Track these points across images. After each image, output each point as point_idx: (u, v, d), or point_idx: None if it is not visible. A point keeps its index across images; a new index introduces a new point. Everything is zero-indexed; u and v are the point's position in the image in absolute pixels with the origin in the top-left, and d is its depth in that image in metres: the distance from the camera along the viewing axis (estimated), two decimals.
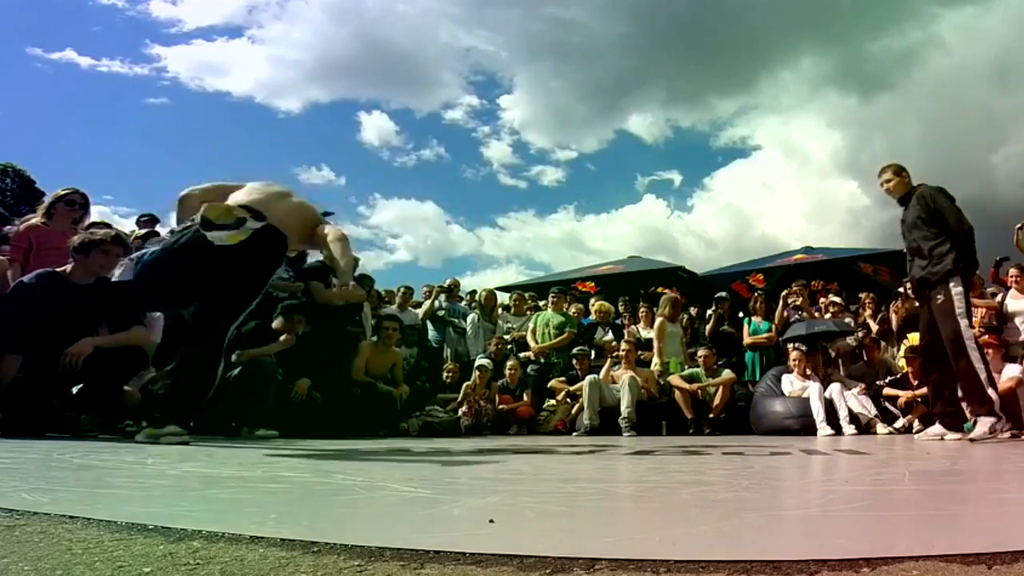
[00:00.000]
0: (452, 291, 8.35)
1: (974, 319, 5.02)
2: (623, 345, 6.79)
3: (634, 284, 9.22)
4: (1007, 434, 4.38)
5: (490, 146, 33.51)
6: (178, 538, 0.94)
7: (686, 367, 6.93)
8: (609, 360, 6.81)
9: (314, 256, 4.84)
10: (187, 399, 3.36)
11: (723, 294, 8.00)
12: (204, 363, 3.27)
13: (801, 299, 7.31)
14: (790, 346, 6.63)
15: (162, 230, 5.30)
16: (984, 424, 4.23)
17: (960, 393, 4.57)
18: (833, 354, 6.98)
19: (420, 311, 7.94)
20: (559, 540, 1.00)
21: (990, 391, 4.29)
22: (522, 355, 7.41)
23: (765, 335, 7.24)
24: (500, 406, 6.68)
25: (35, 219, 4.53)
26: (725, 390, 6.61)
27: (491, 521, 1.10)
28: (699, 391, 6.65)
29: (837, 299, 7.61)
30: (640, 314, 7.63)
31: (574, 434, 6.28)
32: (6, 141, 29.86)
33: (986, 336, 5.48)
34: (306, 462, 2.57)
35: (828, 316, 7.15)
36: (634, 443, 4.63)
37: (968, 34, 29.90)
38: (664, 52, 35.95)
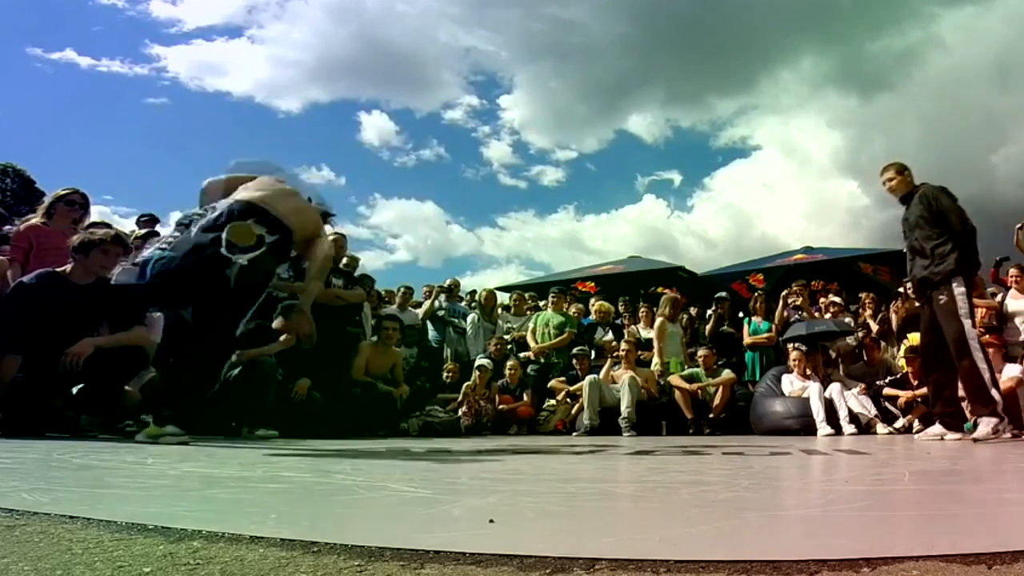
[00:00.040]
0: (452, 291, 8.35)
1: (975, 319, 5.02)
2: (623, 345, 6.79)
3: (634, 284, 9.22)
4: (1008, 434, 4.38)
5: (490, 146, 33.55)
6: (178, 538, 0.94)
7: (686, 367, 6.93)
8: (609, 360, 6.81)
9: (325, 252, 4.88)
10: (187, 399, 3.37)
11: (723, 294, 8.00)
12: (205, 362, 3.28)
13: (801, 299, 7.31)
14: (790, 346, 6.63)
15: (162, 230, 5.30)
16: (987, 425, 4.23)
17: (962, 393, 4.57)
18: (833, 354, 6.98)
19: (420, 311, 7.94)
20: (559, 540, 1.00)
21: (993, 392, 4.29)
22: (522, 355, 7.41)
23: (765, 335, 7.24)
24: (500, 406, 6.68)
25: (35, 219, 4.54)
26: (725, 390, 6.61)
27: (491, 521, 1.10)
28: (699, 391, 6.65)
29: (837, 299, 7.61)
30: (640, 314, 7.63)
31: (574, 434, 6.28)
32: (6, 141, 29.91)
33: (986, 336, 5.47)
34: (306, 462, 2.57)
35: (828, 316, 7.15)
36: (634, 443, 4.63)
37: (968, 34, 29.93)
38: (664, 52, 35.99)
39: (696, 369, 6.80)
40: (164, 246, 3.15)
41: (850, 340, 6.95)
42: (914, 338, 5.79)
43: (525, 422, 6.69)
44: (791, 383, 6.29)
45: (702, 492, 1.70)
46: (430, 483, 1.89)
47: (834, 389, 6.02)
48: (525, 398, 6.83)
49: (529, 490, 1.73)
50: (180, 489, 1.67)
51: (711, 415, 6.58)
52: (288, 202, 3.33)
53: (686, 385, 6.62)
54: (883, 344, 6.82)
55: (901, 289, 6.89)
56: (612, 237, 35.32)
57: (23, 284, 3.80)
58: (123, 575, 0.78)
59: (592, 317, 7.95)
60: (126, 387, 4.15)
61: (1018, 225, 5.74)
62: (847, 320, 7.14)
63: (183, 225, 3.23)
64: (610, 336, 7.57)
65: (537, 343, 7.37)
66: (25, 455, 2.47)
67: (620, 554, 0.84)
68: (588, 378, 6.44)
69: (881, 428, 5.78)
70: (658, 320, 7.16)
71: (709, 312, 7.81)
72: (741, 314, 7.95)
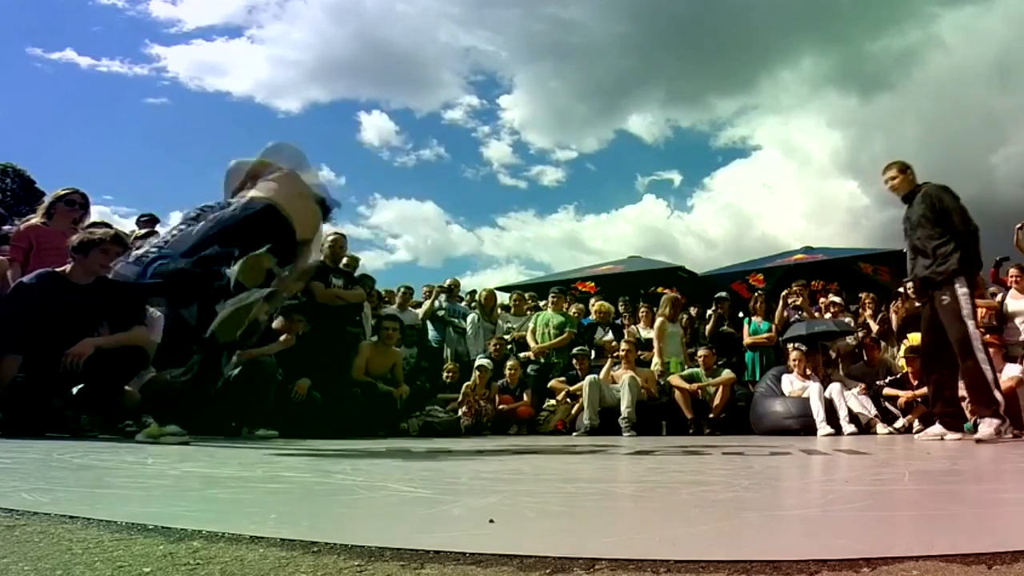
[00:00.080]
0: (452, 291, 8.35)
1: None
2: (623, 345, 6.79)
3: (634, 284, 9.22)
4: (1010, 435, 4.38)
5: (490, 146, 33.46)
6: (178, 538, 0.94)
7: (686, 367, 6.93)
8: (609, 360, 6.81)
9: (313, 256, 4.87)
10: (187, 398, 3.38)
11: (723, 294, 8.00)
12: (207, 362, 3.29)
13: (801, 299, 7.31)
14: (790, 346, 6.63)
15: (162, 230, 5.29)
16: (989, 425, 4.22)
17: (962, 393, 4.56)
18: (833, 354, 6.98)
19: (420, 311, 7.93)
20: (559, 540, 1.00)
21: (996, 393, 4.29)
22: (522, 355, 7.41)
23: (765, 335, 7.24)
24: (500, 406, 6.68)
25: (35, 219, 4.54)
26: (725, 390, 6.61)
27: (491, 521, 1.10)
28: (699, 391, 6.65)
29: (837, 299, 7.61)
30: (640, 314, 7.63)
31: (574, 434, 6.28)
32: (6, 141, 29.86)
33: (986, 336, 5.47)
34: (306, 462, 2.58)
35: (828, 316, 7.15)
36: (634, 443, 4.63)
37: (968, 34, 29.89)
38: (664, 52, 35.92)
39: (696, 369, 6.80)
40: (162, 244, 3.15)
41: (850, 340, 6.95)
42: (914, 338, 5.79)
43: (525, 422, 6.69)
44: (791, 383, 6.29)
45: (702, 492, 1.70)
46: (430, 483, 1.89)
47: (834, 389, 6.01)
48: (525, 398, 6.83)
49: (529, 490, 1.73)
50: (180, 489, 1.67)
51: (711, 415, 6.58)
52: (296, 204, 3.33)
53: (686, 385, 6.62)
54: (883, 344, 6.82)
55: (901, 289, 6.89)
56: (612, 237, 35.27)
57: (23, 284, 3.80)
58: (123, 575, 0.78)
59: (592, 317, 7.95)
60: (126, 387, 4.15)
61: (1018, 225, 5.74)
62: (847, 320, 7.14)
63: (192, 219, 3.22)
64: (610, 336, 7.57)
65: (537, 343, 7.37)
66: (25, 455, 2.47)
67: (620, 554, 0.84)
68: (588, 378, 6.44)
69: (881, 428, 5.78)
70: (658, 320, 7.16)
71: (709, 312, 7.81)
72: (741, 314, 7.96)
